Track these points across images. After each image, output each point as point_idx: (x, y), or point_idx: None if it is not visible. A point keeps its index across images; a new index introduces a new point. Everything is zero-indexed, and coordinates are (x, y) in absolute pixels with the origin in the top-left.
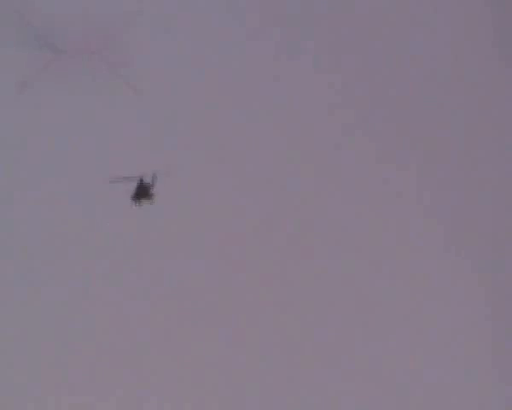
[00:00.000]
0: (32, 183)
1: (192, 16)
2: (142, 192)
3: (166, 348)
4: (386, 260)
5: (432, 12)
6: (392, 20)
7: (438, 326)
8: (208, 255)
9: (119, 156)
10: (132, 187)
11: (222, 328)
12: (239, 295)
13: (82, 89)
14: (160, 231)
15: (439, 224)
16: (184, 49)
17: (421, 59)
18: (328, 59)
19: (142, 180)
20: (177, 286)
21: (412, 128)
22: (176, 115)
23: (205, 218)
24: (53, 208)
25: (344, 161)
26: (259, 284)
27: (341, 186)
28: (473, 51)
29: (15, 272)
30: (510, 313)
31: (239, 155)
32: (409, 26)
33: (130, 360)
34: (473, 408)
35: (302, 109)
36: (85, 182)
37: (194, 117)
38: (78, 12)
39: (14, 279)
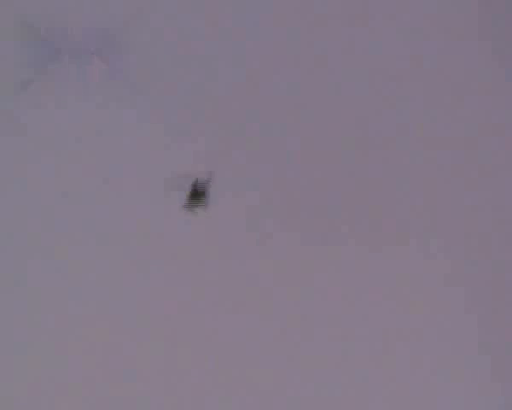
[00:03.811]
0: (33, 182)
1: (192, 16)
2: (197, 197)
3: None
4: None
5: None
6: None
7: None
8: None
9: (119, 156)
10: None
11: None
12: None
13: (82, 89)
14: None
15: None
16: (184, 48)
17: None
18: None
19: (195, 184)
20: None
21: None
22: (176, 115)
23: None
24: (53, 208)
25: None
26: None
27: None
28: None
29: (15, 271)
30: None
31: (238, 153)
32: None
33: (129, 360)
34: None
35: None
36: (85, 181)
37: (194, 117)
38: (78, 12)
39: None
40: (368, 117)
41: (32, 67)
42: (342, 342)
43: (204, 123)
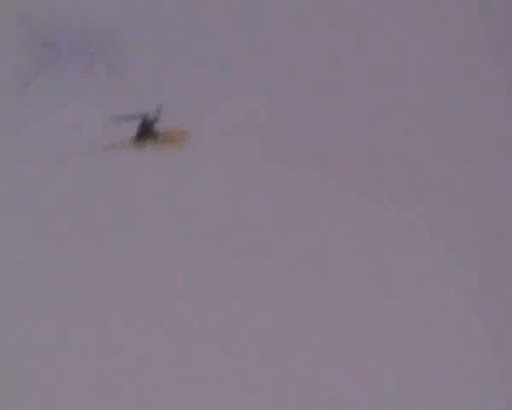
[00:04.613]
0: (33, 182)
1: (192, 16)
2: (146, 131)
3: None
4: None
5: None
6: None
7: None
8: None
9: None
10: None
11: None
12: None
13: (82, 89)
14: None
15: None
16: (184, 49)
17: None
18: None
19: (145, 118)
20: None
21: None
22: (175, 115)
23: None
24: (53, 208)
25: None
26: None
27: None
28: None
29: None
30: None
31: (238, 152)
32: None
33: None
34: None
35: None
36: (85, 181)
37: (194, 117)
38: (78, 12)
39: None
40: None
41: (32, 67)
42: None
43: (203, 122)
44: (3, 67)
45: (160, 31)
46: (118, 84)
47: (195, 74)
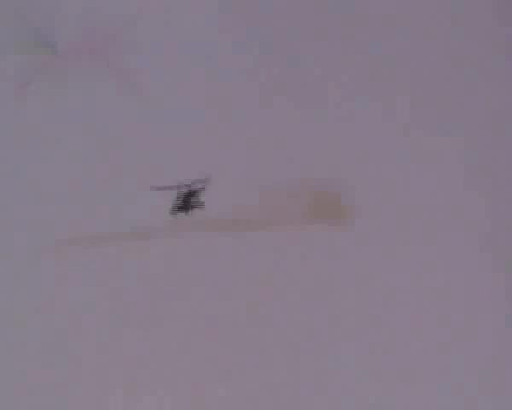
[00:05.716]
0: (33, 182)
1: (192, 16)
2: (190, 202)
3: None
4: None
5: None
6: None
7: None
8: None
9: (119, 156)
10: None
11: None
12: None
13: (82, 89)
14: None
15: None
16: (184, 49)
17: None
18: None
19: (188, 187)
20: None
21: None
22: (176, 115)
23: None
24: (53, 210)
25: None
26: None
27: None
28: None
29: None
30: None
31: (240, 155)
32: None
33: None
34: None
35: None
36: (85, 181)
37: (195, 117)
38: (78, 12)
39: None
40: None
41: (32, 67)
42: None
43: (204, 123)
44: (3, 67)
45: (160, 31)
46: (117, 84)
47: (195, 74)
